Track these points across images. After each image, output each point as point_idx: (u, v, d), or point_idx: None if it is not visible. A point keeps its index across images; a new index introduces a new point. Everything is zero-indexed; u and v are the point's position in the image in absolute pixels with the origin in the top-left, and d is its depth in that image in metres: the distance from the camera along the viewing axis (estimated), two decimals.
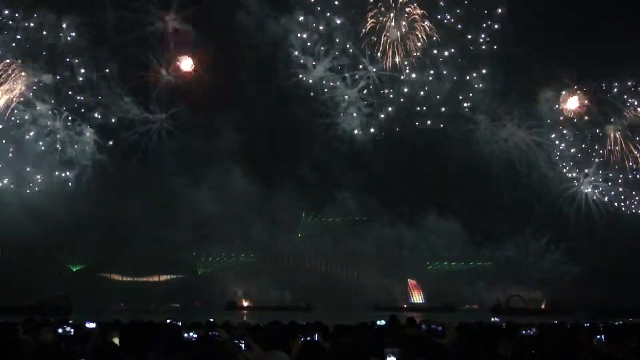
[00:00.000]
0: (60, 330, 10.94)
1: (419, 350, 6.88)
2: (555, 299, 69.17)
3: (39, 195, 66.75)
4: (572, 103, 71.59)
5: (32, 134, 67.52)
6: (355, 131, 73.43)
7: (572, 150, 72.05)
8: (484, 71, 71.30)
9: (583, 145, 72.19)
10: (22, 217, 64.91)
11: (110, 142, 70.52)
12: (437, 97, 72.50)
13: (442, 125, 74.63)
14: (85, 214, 66.97)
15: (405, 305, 73.38)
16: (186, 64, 72.34)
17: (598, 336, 8.52)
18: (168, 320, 15.88)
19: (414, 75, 71.80)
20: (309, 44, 71.63)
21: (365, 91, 72.97)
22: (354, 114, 73.43)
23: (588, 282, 67.50)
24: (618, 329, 13.67)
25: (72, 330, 11.31)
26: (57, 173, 68.78)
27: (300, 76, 71.75)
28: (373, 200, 73.04)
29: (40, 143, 67.88)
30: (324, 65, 72.46)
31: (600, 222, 69.55)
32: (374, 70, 72.52)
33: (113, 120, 70.39)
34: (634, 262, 64.55)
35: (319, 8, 70.53)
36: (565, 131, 72.18)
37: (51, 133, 68.13)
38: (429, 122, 75.22)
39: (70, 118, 68.82)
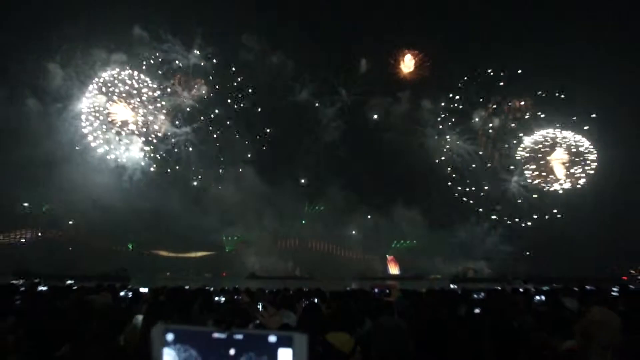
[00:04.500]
0: (121, 294, 10.88)
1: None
2: (497, 271, 69.25)
3: (103, 190, 66.69)
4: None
5: (92, 144, 67.94)
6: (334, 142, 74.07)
7: (499, 156, 72.72)
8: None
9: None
10: (92, 208, 64.88)
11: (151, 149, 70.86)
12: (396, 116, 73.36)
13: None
14: (138, 205, 67.06)
15: (385, 276, 73.35)
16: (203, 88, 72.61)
17: (537, 297, 8.41)
18: (203, 287, 15.82)
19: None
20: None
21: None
22: (334, 129, 73.89)
23: (520, 258, 67.91)
24: (552, 292, 13.55)
25: (130, 293, 11.26)
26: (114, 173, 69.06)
27: (289, 99, 72.40)
28: (354, 195, 73.59)
29: (99, 151, 68.25)
30: (308, 91, 72.82)
31: (526, 211, 70.46)
32: (347, 95, 73.35)
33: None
34: (555, 241, 65.24)
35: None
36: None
37: (107, 142, 68.37)
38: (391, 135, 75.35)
39: (119, 131, 69.23)
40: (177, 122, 70.72)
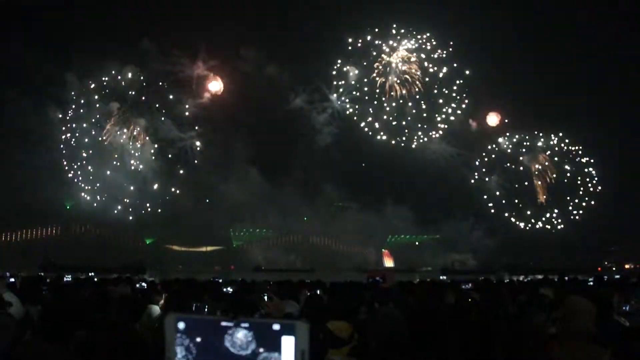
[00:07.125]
0: (137, 285, 10.88)
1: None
2: (481, 262, 69.18)
3: (121, 190, 66.88)
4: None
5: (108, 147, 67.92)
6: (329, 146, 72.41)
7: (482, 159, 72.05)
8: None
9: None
10: (111, 206, 65.03)
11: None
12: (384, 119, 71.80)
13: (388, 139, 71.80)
14: (154, 203, 67.20)
15: (380, 269, 73.12)
16: (214, 85, 71.14)
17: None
18: (212, 279, 15.83)
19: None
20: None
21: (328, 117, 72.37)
22: (327, 134, 72.82)
23: (500, 251, 67.87)
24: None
25: (145, 285, 11.25)
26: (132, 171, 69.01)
27: (286, 107, 71.35)
28: (350, 193, 73.50)
29: (115, 154, 68.17)
30: (302, 98, 71.89)
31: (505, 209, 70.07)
32: (338, 102, 72.39)
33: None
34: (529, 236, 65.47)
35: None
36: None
37: (121, 146, 68.24)
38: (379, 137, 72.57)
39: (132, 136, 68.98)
40: (182, 128, 70.34)
